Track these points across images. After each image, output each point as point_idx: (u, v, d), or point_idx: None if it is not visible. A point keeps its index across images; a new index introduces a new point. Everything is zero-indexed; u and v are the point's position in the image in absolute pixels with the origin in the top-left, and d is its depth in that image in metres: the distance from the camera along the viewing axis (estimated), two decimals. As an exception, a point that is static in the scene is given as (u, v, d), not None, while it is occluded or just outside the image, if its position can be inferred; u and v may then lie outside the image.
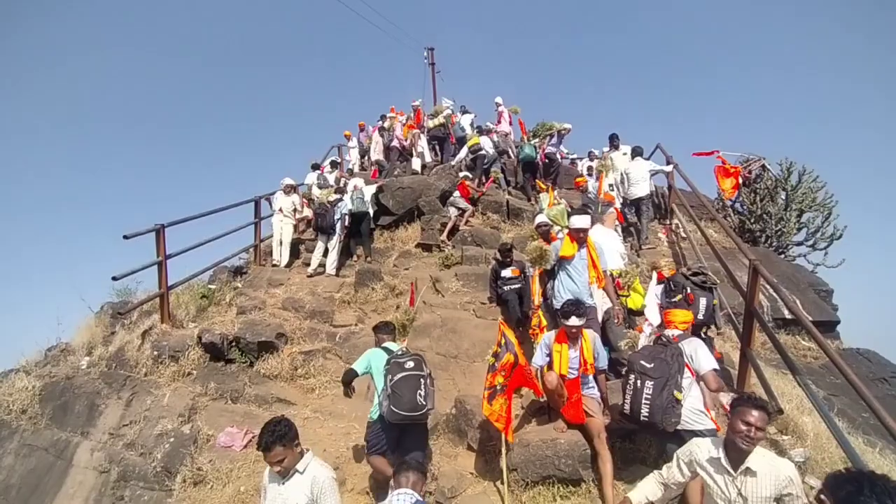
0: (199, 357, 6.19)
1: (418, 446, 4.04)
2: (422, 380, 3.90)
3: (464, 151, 11.51)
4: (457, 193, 9.75)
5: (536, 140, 12.37)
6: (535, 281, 5.68)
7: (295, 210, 9.63)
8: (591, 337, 4.11)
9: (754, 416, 2.54)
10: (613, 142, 10.80)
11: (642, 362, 3.56)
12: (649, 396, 3.41)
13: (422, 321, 6.29)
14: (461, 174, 10.52)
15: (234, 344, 6.28)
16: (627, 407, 3.57)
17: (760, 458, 2.57)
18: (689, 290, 4.75)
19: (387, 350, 4.27)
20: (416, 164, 12.53)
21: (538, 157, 10.97)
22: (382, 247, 9.52)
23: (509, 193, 10.83)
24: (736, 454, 2.60)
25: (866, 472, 1.80)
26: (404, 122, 13.99)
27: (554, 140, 11.50)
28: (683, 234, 9.26)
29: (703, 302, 4.72)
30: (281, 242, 9.43)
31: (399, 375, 3.86)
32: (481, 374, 5.58)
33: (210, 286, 8.19)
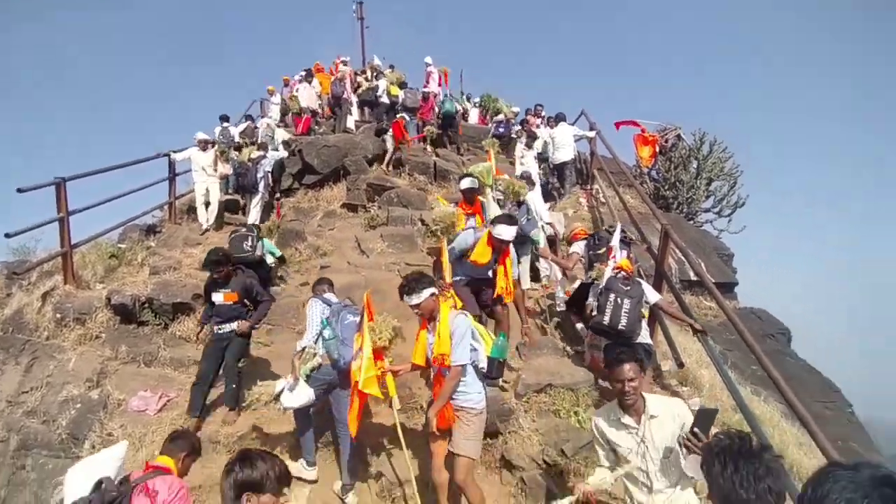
0: (109, 319, 5.85)
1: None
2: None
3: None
4: (390, 131, 10.53)
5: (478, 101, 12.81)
6: (443, 252, 5.27)
7: (215, 168, 8.87)
8: (452, 322, 3.32)
9: (625, 370, 2.67)
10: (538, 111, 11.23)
11: (620, 286, 4.34)
12: (627, 311, 4.24)
13: (346, 281, 6.24)
14: (398, 115, 11.04)
15: (146, 306, 5.99)
16: (607, 319, 4.25)
17: (657, 402, 2.76)
18: (610, 244, 5.10)
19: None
20: (350, 121, 12.23)
21: (458, 113, 11.71)
22: (307, 206, 9.28)
23: (436, 155, 10.80)
24: (632, 409, 2.76)
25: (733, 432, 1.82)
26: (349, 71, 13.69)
27: (502, 123, 11.96)
28: (603, 199, 9.68)
29: (622, 254, 5.10)
30: (208, 204, 8.70)
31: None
32: (406, 334, 5.67)
33: (120, 245, 7.66)
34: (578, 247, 5.57)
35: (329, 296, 4.40)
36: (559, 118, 9.98)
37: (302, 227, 8.04)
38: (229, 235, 6.13)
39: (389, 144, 10.55)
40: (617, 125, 11.73)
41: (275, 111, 13.46)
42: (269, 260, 6.37)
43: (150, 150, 8.73)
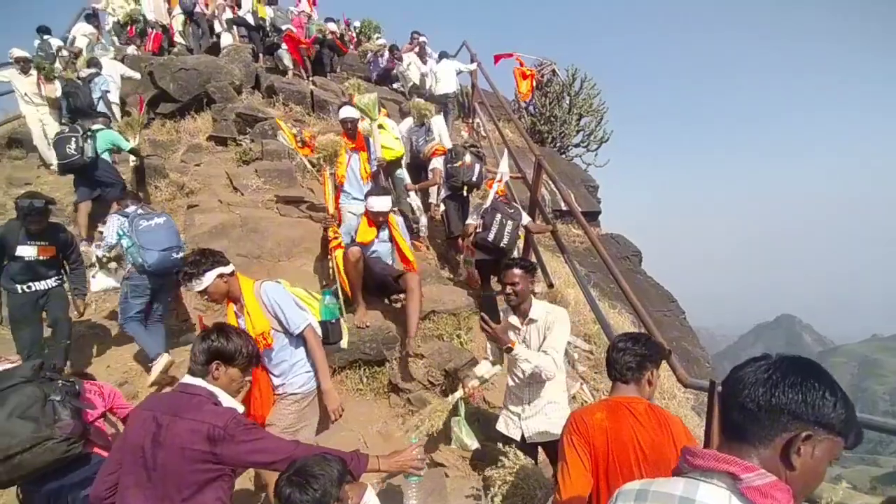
0: None
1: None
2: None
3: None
4: (284, 46, 10.20)
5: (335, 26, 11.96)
6: (325, 182, 5.10)
7: (40, 94, 7.37)
8: (260, 294, 2.91)
9: (513, 273, 2.98)
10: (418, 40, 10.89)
11: (505, 208, 4.93)
12: (510, 231, 4.84)
13: (219, 221, 5.75)
14: (284, 27, 10.40)
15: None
16: (492, 236, 4.80)
17: (540, 308, 3.03)
18: (466, 158, 5.52)
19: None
20: (226, 39, 10.76)
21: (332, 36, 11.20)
22: (166, 139, 8.23)
23: (314, 83, 10.08)
24: (519, 311, 3.05)
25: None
26: None
27: (374, 60, 11.51)
28: (483, 133, 9.83)
29: (476, 168, 5.59)
30: (46, 136, 7.29)
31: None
32: (288, 272, 5.45)
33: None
34: (438, 162, 6.08)
35: (130, 209, 4.46)
36: (442, 55, 9.91)
37: (162, 162, 7.12)
38: (52, 139, 5.65)
39: (288, 61, 10.24)
40: (496, 58, 11.77)
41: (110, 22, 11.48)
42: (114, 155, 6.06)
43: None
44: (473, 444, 3.10)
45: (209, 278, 2.76)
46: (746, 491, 0.96)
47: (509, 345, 2.82)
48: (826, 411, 0.96)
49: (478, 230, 4.93)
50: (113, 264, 4.37)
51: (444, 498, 2.83)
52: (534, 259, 5.74)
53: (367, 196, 4.43)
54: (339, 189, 5.19)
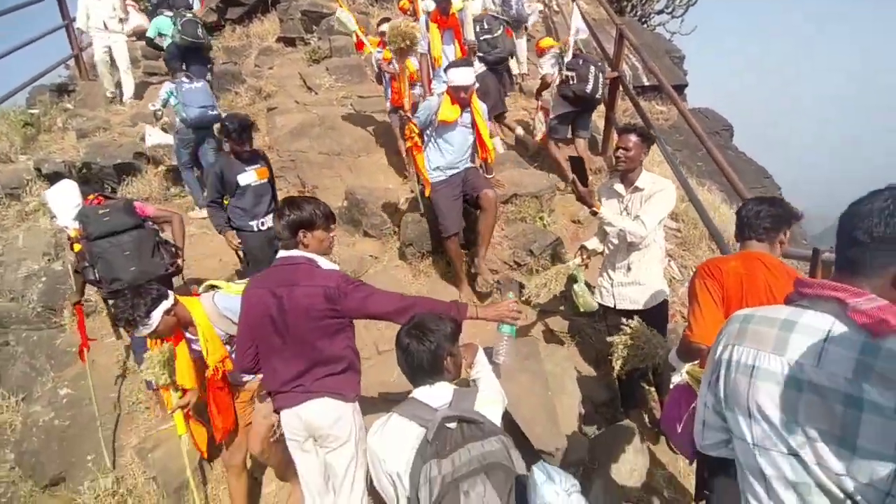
0: (45, 190, 5.47)
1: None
2: None
3: None
4: None
5: None
6: (402, 76, 4.73)
7: (120, 19, 6.75)
8: (212, 313, 2.58)
9: (627, 139, 2.87)
10: None
11: (595, 59, 4.97)
12: (603, 83, 4.87)
13: (298, 122, 5.89)
14: None
15: (84, 171, 5.57)
16: (590, 87, 4.73)
17: (648, 178, 2.95)
18: (504, 27, 5.32)
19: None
20: None
21: None
22: (238, 45, 8.31)
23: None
24: (626, 178, 2.97)
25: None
26: None
27: None
28: (556, 8, 9.06)
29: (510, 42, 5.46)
30: (116, 69, 6.82)
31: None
32: (367, 168, 5.58)
33: (31, 111, 6.85)
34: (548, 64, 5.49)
35: (179, 79, 5.08)
36: None
37: (237, 68, 7.27)
38: (179, 21, 5.86)
39: None
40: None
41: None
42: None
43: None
44: (595, 304, 3.20)
45: (156, 318, 2.42)
46: (853, 314, 0.95)
47: (594, 207, 2.82)
48: None
49: (570, 81, 4.79)
50: (165, 119, 5.58)
51: (539, 361, 3.01)
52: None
53: (447, 69, 3.89)
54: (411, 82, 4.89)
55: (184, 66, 5.82)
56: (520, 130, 5.90)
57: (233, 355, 2.51)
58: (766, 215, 2.05)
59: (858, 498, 0.94)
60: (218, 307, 2.55)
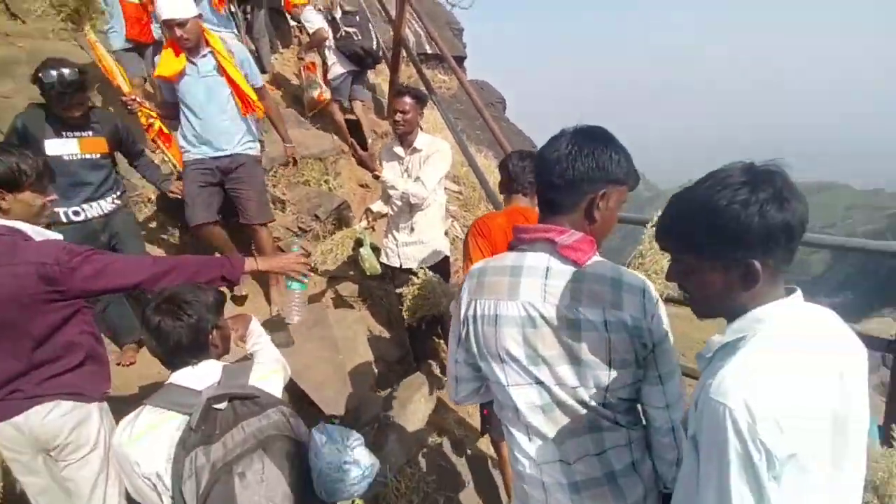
0: None
1: None
2: None
3: None
4: None
5: None
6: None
7: None
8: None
9: (403, 101, 2.88)
10: None
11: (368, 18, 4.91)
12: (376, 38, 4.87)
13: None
14: None
15: None
16: (374, 44, 4.82)
17: (426, 139, 3.02)
18: None
19: None
20: None
21: None
22: None
23: None
24: (405, 141, 3.00)
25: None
26: None
27: None
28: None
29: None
30: None
31: None
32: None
33: None
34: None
35: None
36: None
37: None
38: None
39: None
40: None
41: None
42: None
43: None
44: (379, 268, 3.27)
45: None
46: (562, 250, 1.13)
47: (376, 171, 2.88)
48: (614, 168, 1.13)
49: (355, 37, 4.66)
50: None
51: (328, 327, 2.94)
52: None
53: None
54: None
55: None
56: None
57: None
58: (530, 171, 2.19)
59: (590, 402, 1.14)
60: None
